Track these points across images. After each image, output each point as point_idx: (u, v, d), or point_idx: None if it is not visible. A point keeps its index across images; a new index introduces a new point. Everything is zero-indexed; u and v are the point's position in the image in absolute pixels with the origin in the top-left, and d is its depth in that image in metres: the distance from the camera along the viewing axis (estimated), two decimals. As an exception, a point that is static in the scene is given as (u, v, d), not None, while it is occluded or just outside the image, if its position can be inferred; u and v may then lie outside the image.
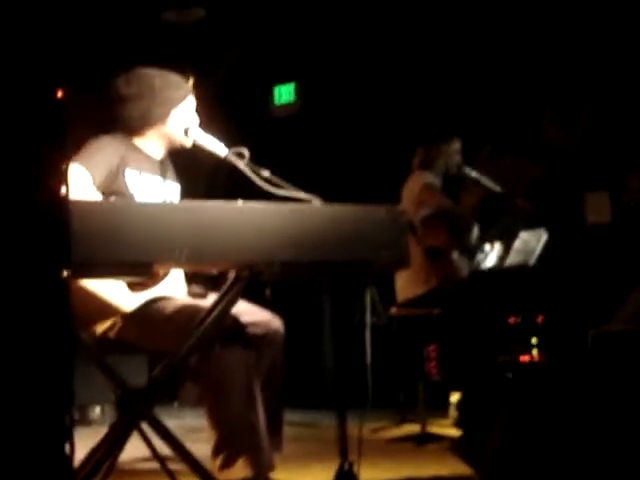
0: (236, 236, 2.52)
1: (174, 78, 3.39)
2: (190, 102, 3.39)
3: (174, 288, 3.17)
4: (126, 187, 3.16)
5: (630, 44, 6.64)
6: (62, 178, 1.55)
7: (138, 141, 3.34)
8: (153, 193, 3.28)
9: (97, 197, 3.03)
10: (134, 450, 3.28)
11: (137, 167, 3.24)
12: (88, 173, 3.04)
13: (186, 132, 3.33)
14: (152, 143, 3.36)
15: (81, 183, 3.01)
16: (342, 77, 7.81)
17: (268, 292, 3.27)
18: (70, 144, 2.94)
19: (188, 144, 3.38)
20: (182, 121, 3.35)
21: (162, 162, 3.42)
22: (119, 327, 3.04)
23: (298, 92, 8.18)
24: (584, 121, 6.46)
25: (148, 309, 3.04)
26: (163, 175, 3.38)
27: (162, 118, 3.31)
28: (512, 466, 1.49)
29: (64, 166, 1.62)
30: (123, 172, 3.17)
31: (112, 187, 3.13)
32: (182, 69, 3.60)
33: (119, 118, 3.31)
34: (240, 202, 2.60)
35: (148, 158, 3.34)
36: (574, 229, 5.98)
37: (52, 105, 1.21)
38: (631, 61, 6.63)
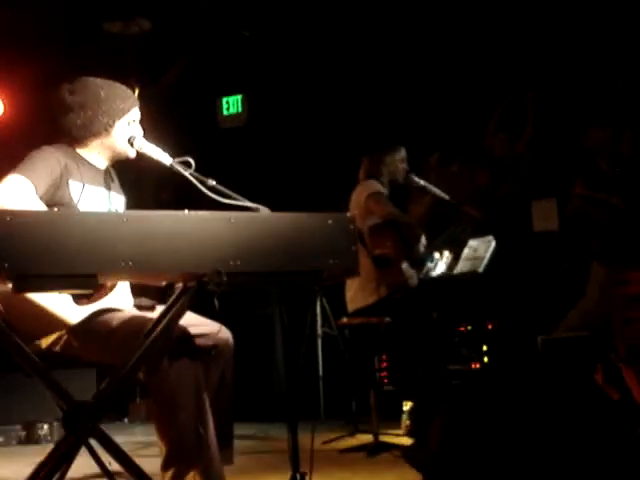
0: (182, 246, 2.48)
1: (120, 88, 3.34)
2: (135, 114, 3.35)
3: (120, 300, 3.12)
4: (70, 198, 3.11)
5: (574, 54, 6.73)
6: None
7: (82, 151, 3.29)
8: (97, 204, 3.22)
9: (41, 207, 2.97)
10: (83, 467, 3.23)
11: (80, 178, 3.19)
12: (31, 184, 2.98)
13: (130, 142, 3.28)
14: (96, 154, 3.31)
15: (24, 194, 2.95)
16: (288, 89, 7.82)
17: (217, 303, 3.23)
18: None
19: (132, 155, 3.33)
20: (126, 132, 3.30)
21: (106, 173, 3.37)
22: (64, 341, 2.98)
23: (245, 103, 8.18)
24: (529, 131, 6.53)
25: (93, 322, 2.98)
26: (107, 186, 3.33)
27: (106, 128, 3.26)
28: (450, 468, 1.48)
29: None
30: (67, 182, 3.12)
31: (56, 198, 3.07)
32: (127, 79, 3.57)
33: (63, 128, 3.25)
34: (186, 212, 2.57)
35: (92, 169, 3.29)
36: (522, 236, 6.02)
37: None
38: (576, 69, 6.71)
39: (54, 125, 3.30)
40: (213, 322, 3.25)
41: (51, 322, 2.92)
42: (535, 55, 6.87)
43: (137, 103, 3.37)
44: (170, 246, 2.46)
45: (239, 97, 8.20)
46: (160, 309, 2.99)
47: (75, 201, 3.12)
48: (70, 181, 3.14)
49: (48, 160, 3.12)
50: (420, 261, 5.43)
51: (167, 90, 8.06)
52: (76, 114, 3.23)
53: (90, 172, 3.27)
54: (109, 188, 3.34)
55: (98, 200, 3.24)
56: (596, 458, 1.37)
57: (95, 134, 3.26)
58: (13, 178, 2.97)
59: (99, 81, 3.32)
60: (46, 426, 6.25)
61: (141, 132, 3.36)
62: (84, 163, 3.27)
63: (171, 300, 2.69)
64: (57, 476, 2.75)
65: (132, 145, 3.29)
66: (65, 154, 3.21)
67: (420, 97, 7.32)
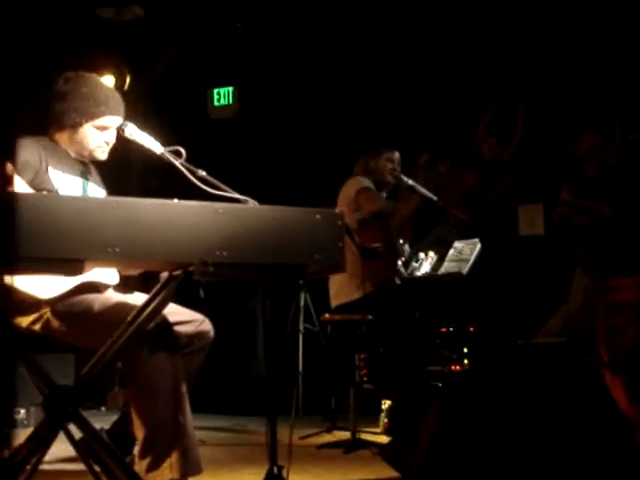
0: (169, 234, 2.47)
1: (103, 92, 3.30)
2: (109, 121, 3.29)
3: (106, 274, 3.12)
4: (52, 185, 3.11)
5: (566, 61, 6.75)
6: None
7: (60, 142, 3.29)
8: (77, 194, 3.22)
9: (27, 190, 2.96)
10: (58, 451, 3.22)
11: (59, 168, 3.20)
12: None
13: (122, 129, 3.27)
14: (70, 145, 3.31)
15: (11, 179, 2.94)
16: (280, 82, 7.82)
17: (202, 293, 3.23)
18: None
19: (100, 158, 3.33)
20: (95, 137, 3.28)
21: (85, 165, 3.37)
22: (45, 319, 2.97)
23: (236, 95, 8.17)
24: (518, 136, 6.55)
25: (75, 302, 2.97)
26: (85, 178, 3.33)
27: (74, 125, 3.26)
28: (445, 468, 1.48)
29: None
30: (46, 170, 3.13)
31: (39, 184, 3.07)
32: (119, 66, 3.55)
33: (47, 113, 3.26)
34: (175, 200, 2.56)
35: (70, 159, 3.31)
36: (507, 240, 6.04)
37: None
38: (568, 76, 6.74)
39: (41, 110, 3.30)
40: (195, 313, 3.25)
41: (30, 300, 2.90)
42: (527, 61, 6.90)
43: (115, 112, 3.30)
44: (158, 234, 2.45)
45: (230, 89, 8.19)
46: (143, 296, 2.99)
47: (56, 188, 3.12)
48: (50, 169, 3.15)
49: (27, 148, 3.13)
50: (404, 262, 5.45)
51: (158, 79, 8.04)
52: (57, 103, 3.24)
53: (68, 163, 3.28)
54: (88, 180, 3.35)
55: (76, 190, 3.24)
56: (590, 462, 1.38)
57: (66, 127, 3.26)
58: None
59: (92, 78, 3.31)
60: (23, 410, 6.22)
61: (112, 142, 3.33)
62: (62, 154, 3.28)
63: (156, 289, 2.68)
64: (35, 459, 2.74)
65: (123, 132, 3.27)
66: (43, 145, 3.22)
67: (411, 97, 7.33)
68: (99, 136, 3.29)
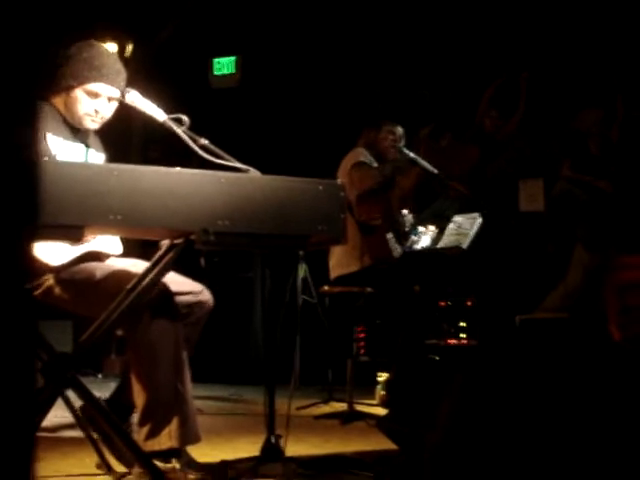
0: (172, 203, 2.47)
1: (103, 60, 3.23)
2: (100, 89, 3.21)
3: (109, 244, 3.12)
4: (50, 151, 3.08)
5: (569, 36, 6.72)
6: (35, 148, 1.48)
7: (59, 107, 3.24)
8: (76, 160, 3.20)
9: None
10: (55, 417, 3.23)
11: (60, 134, 3.17)
12: None
13: (123, 95, 3.24)
14: (66, 112, 3.25)
15: None
16: (283, 52, 7.78)
17: (203, 261, 3.23)
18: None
19: (89, 126, 3.25)
20: (85, 103, 3.21)
21: (85, 131, 3.33)
22: (46, 286, 2.98)
23: (239, 64, 8.14)
24: (520, 111, 6.52)
25: (77, 270, 2.98)
26: (85, 143, 3.30)
27: (67, 89, 3.20)
28: (457, 457, 1.49)
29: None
30: (44, 136, 3.10)
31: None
32: (120, 34, 3.51)
33: (51, 77, 3.23)
34: (178, 169, 2.55)
35: (69, 126, 3.25)
36: (508, 215, 6.03)
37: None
38: (570, 52, 6.71)
39: (45, 76, 3.26)
40: (195, 282, 3.25)
41: (37, 265, 2.90)
42: (531, 35, 6.86)
43: (108, 81, 3.22)
44: (160, 202, 2.45)
45: (233, 58, 8.15)
46: (143, 263, 2.99)
47: (53, 154, 3.09)
48: (48, 135, 3.11)
49: None
50: (404, 235, 5.43)
51: (161, 47, 8.00)
52: (57, 67, 3.20)
53: (67, 128, 3.24)
54: (88, 145, 3.31)
55: (77, 156, 3.22)
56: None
57: (61, 91, 3.21)
58: None
59: (96, 46, 3.26)
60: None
61: (106, 111, 3.26)
62: (61, 119, 3.24)
63: (157, 256, 2.68)
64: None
65: (124, 97, 3.24)
66: (44, 109, 3.18)
67: (414, 71, 7.30)
68: (89, 103, 3.21)
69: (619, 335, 1.35)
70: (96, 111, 3.23)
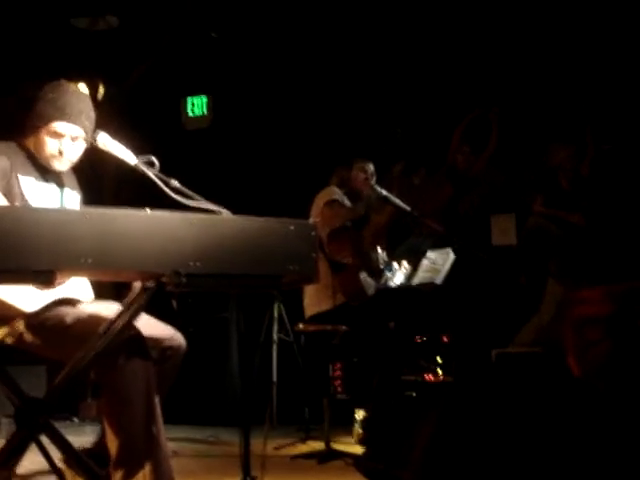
0: (143, 245, 2.46)
1: (66, 99, 3.19)
2: (63, 128, 3.18)
3: (79, 291, 3.10)
4: (22, 192, 3.07)
5: (539, 72, 6.80)
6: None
7: (30, 148, 3.22)
8: (49, 201, 3.17)
9: (1, 200, 2.92)
10: (29, 463, 3.19)
11: (32, 174, 3.15)
12: None
13: (94, 138, 3.23)
14: (36, 153, 3.21)
15: None
16: (254, 92, 7.82)
17: (175, 303, 3.22)
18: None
19: (57, 168, 3.22)
20: (51, 144, 3.18)
21: (57, 172, 3.29)
22: (18, 333, 2.95)
23: (210, 105, 8.18)
24: (490, 149, 6.59)
25: (49, 315, 2.95)
26: (59, 183, 3.28)
27: (33, 130, 3.18)
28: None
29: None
30: (16, 176, 3.08)
31: (7, 190, 3.02)
32: (92, 76, 3.51)
33: (18, 120, 3.21)
34: (148, 210, 2.55)
35: (41, 167, 3.22)
36: (480, 250, 6.06)
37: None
38: (540, 87, 6.79)
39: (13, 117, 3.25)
40: (167, 326, 3.24)
41: (5, 311, 2.88)
42: (501, 72, 6.94)
43: (69, 119, 3.17)
44: (130, 244, 2.44)
45: (204, 99, 8.19)
46: (116, 306, 2.97)
47: (27, 197, 3.07)
48: (20, 176, 3.09)
49: None
50: (378, 272, 5.44)
51: (132, 88, 8.02)
52: (24, 109, 3.18)
53: (39, 169, 3.21)
54: (62, 185, 3.29)
55: (49, 197, 3.19)
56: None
57: (28, 132, 3.19)
58: None
59: (63, 85, 3.23)
60: (-6, 422, 6.16)
61: (72, 152, 3.22)
62: (33, 160, 3.21)
63: (129, 300, 2.67)
64: (6, 472, 2.72)
65: (95, 141, 3.23)
66: (13, 150, 3.16)
67: (386, 108, 7.35)
68: (53, 143, 3.18)
69: (578, 370, 1.36)
70: (60, 152, 3.19)
